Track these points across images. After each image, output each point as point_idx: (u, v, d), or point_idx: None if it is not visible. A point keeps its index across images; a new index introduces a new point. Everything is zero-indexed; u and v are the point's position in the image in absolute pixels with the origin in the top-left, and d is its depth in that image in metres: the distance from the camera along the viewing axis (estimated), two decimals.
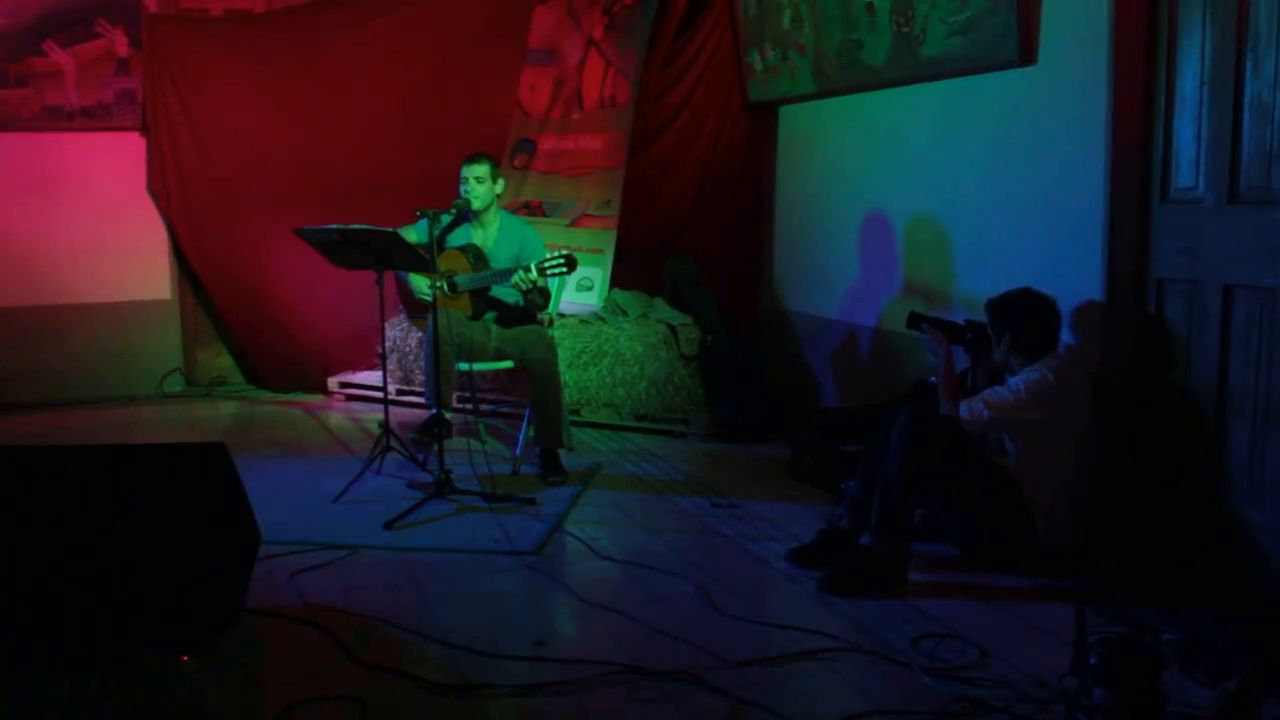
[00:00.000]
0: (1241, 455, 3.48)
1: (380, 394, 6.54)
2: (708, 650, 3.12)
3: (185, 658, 3.10)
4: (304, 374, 7.01)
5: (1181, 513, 3.69)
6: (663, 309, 6.24)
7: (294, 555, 3.92)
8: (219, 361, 7.33)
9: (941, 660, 3.03)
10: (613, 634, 3.29)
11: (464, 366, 4.98)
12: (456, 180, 5.13)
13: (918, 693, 2.85)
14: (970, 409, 3.69)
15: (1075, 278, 3.98)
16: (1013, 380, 3.75)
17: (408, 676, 2.98)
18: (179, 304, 7.15)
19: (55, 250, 6.78)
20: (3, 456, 3.27)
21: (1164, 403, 3.78)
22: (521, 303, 5.05)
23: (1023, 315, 3.80)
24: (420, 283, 5.04)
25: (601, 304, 6.28)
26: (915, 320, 4.15)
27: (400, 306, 5.49)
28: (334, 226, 4.63)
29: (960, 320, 4.15)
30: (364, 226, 4.59)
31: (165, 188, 6.87)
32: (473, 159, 5.06)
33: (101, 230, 6.86)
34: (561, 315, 5.79)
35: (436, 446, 4.62)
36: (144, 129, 6.84)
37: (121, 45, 6.75)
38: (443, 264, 4.98)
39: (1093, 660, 2.52)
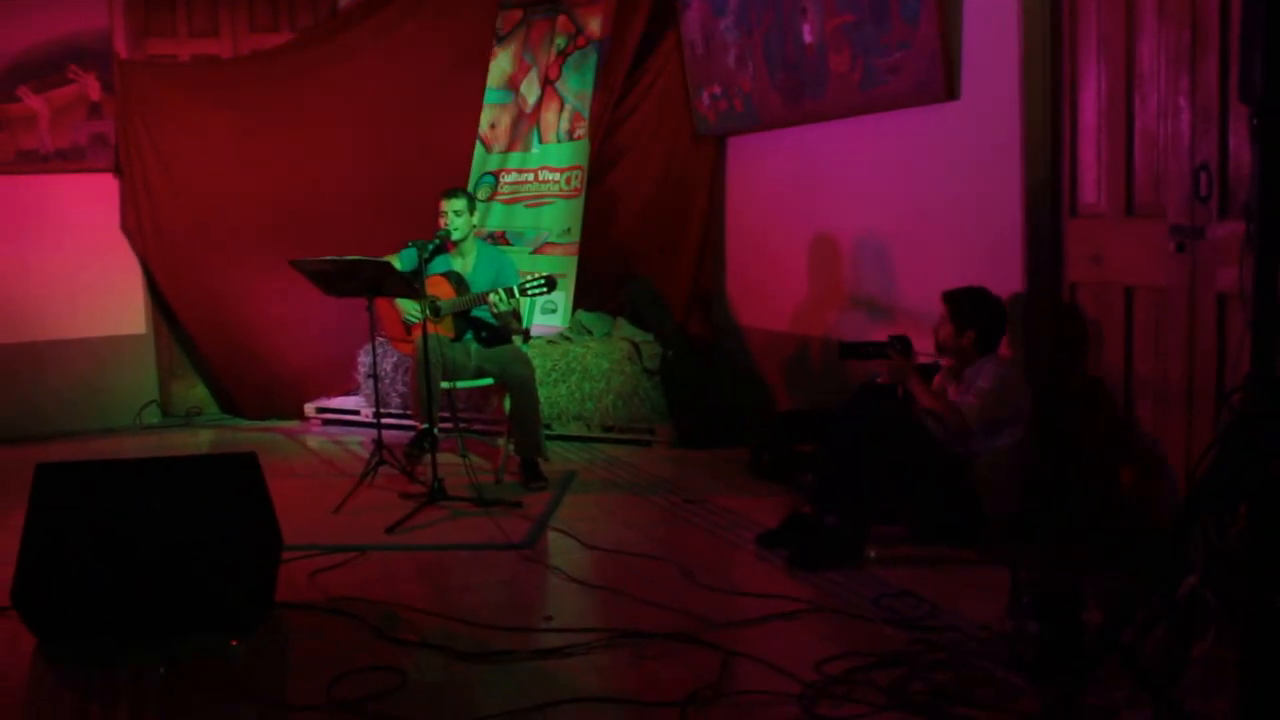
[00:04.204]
0: (1145, 432, 4.02)
1: (356, 417, 6.97)
2: (696, 616, 3.57)
3: (234, 641, 3.48)
4: (279, 401, 7.29)
5: (1097, 485, 4.23)
6: (625, 328, 6.70)
7: (307, 559, 4.26)
8: (194, 393, 7.57)
9: (899, 614, 3.51)
10: (610, 608, 3.73)
11: (446, 385, 5.39)
12: (420, 213, 5.51)
13: (880, 639, 3.33)
14: (961, 418, 4.13)
15: (999, 284, 4.43)
16: (979, 383, 4.17)
17: (436, 648, 3.38)
18: (154, 338, 7.38)
19: (32, 288, 6.99)
20: (68, 470, 3.65)
21: (1079, 391, 4.31)
22: (497, 324, 5.47)
23: (993, 317, 4.26)
24: (408, 305, 5.45)
25: (565, 325, 6.74)
26: (849, 351, 4.49)
27: (382, 333, 5.87)
28: (328, 258, 5.04)
29: (877, 338, 4.57)
30: (357, 257, 5.00)
31: (139, 226, 7.13)
32: (451, 193, 5.48)
33: (77, 268, 7.08)
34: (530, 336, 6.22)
35: (428, 458, 5.03)
36: (117, 170, 7.10)
37: (94, 90, 7.01)
38: (426, 290, 5.39)
39: (1026, 600, 3.02)
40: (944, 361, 4.40)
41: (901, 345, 4.33)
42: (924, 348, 4.75)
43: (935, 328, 4.36)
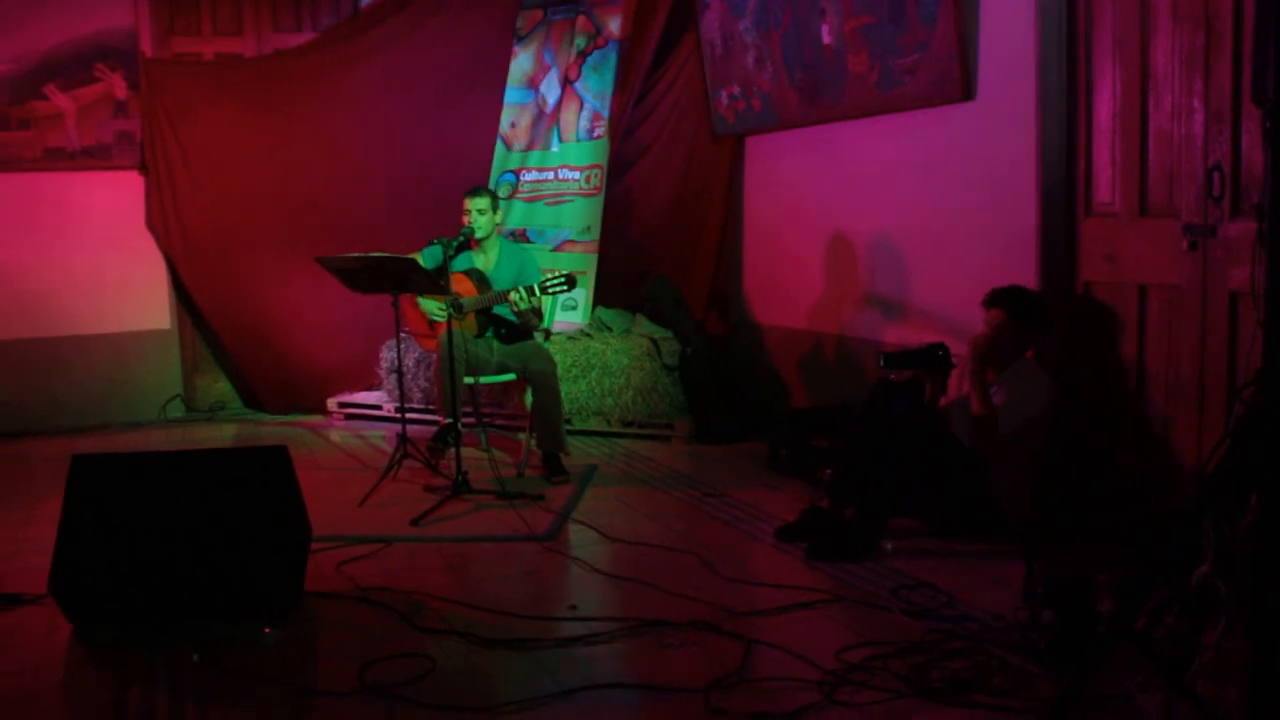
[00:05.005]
0: (1157, 428, 4.09)
1: (378, 412, 7.07)
2: (718, 605, 3.65)
3: (267, 629, 3.57)
4: (302, 396, 7.39)
5: (1110, 479, 4.29)
6: (644, 324, 6.78)
7: (334, 550, 4.34)
8: (217, 387, 7.66)
9: (916, 604, 3.59)
10: (633, 598, 3.81)
11: (469, 380, 5.48)
12: (441, 210, 5.58)
13: (898, 628, 3.41)
14: (993, 430, 4.19)
15: (1015, 282, 4.54)
16: (1019, 385, 4.22)
17: (464, 636, 3.46)
18: (178, 333, 7.48)
19: (59, 285, 7.09)
20: (104, 461, 3.74)
21: (1093, 387, 4.38)
22: (518, 321, 5.56)
23: (1044, 326, 4.33)
24: (430, 305, 5.54)
25: (586, 321, 6.83)
26: (891, 360, 4.42)
27: (406, 329, 5.96)
28: (354, 255, 5.13)
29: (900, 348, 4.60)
30: (382, 254, 5.09)
31: (164, 223, 7.22)
32: (475, 192, 5.57)
33: (103, 265, 7.19)
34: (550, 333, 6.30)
35: (451, 452, 5.12)
36: (142, 168, 7.19)
37: (120, 88, 7.11)
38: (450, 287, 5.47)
39: (1040, 590, 3.09)
40: (966, 366, 4.42)
41: (944, 351, 4.34)
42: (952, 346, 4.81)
43: (998, 330, 4.29)
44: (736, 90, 6.45)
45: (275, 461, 3.81)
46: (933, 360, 4.34)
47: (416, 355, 6.80)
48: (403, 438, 5.29)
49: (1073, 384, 4.44)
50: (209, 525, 3.67)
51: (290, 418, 7.33)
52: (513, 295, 5.20)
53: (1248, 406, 2.39)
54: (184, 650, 3.39)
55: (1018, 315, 4.27)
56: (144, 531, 3.62)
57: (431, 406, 6.47)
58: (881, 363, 4.41)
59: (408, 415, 5.97)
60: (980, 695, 2.92)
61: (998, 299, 4.31)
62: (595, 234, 6.95)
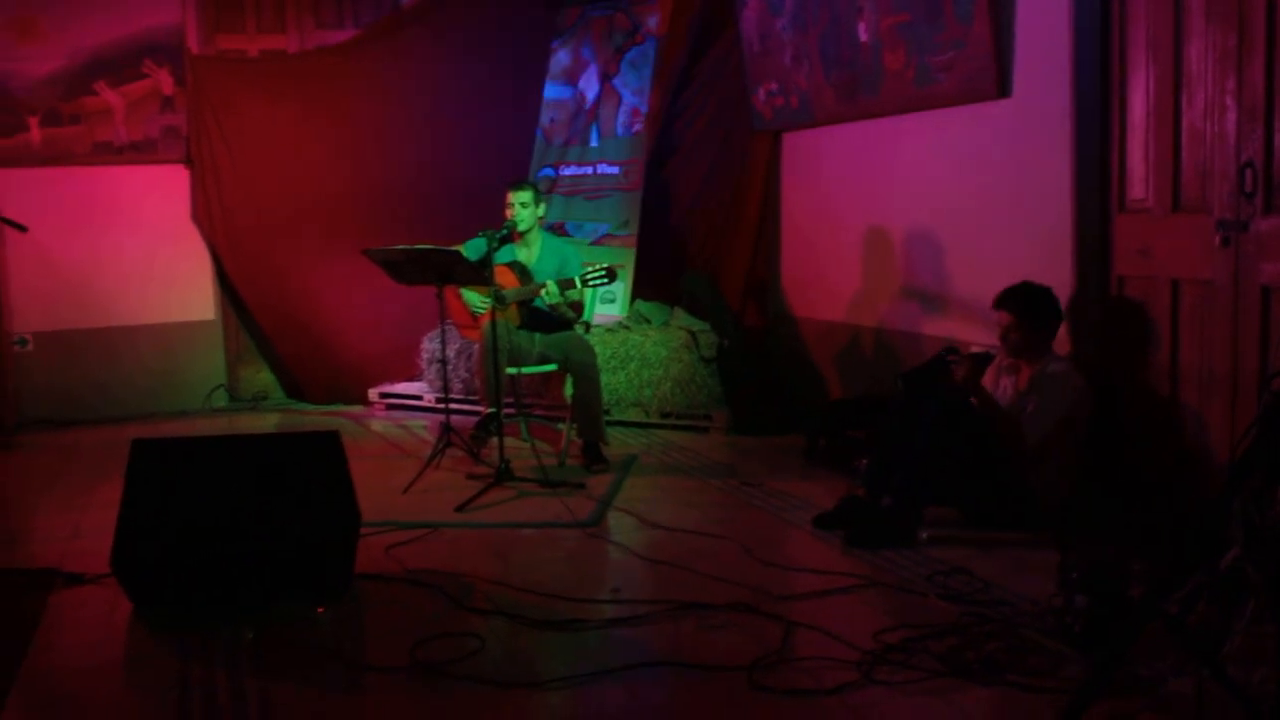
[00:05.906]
0: (1190, 421, 4.15)
1: (419, 402, 7.20)
2: (757, 589, 3.75)
3: (321, 609, 3.70)
4: (343, 386, 7.53)
5: (1144, 471, 4.36)
6: (682, 317, 6.87)
7: (381, 535, 4.45)
8: (260, 377, 7.82)
9: (951, 590, 3.67)
10: (674, 582, 3.91)
11: (511, 371, 5.60)
12: (480, 204, 5.69)
13: (934, 612, 3.50)
14: (1020, 436, 4.29)
15: (1050, 277, 4.55)
16: (1046, 404, 4.29)
17: (511, 617, 3.57)
18: (222, 324, 7.64)
19: (107, 276, 7.27)
20: (162, 445, 3.88)
21: (1127, 380, 4.44)
22: (554, 315, 5.66)
23: (1056, 313, 4.41)
24: (472, 297, 5.65)
25: (625, 314, 6.93)
26: (909, 379, 4.53)
27: (449, 320, 6.09)
28: (399, 247, 5.25)
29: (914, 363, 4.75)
30: (427, 246, 5.20)
31: (209, 216, 7.39)
32: (518, 185, 5.67)
33: (149, 257, 7.36)
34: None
35: (495, 441, 5.23)
36: (188, 162, 7.36)
37: (167, 84, 7.29)
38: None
39: (1074, 575, 3.17)
40: (1003, 360, 4.50)
41: (955, 353, 4.39)
42: (975, 337, 4.90)
43: (1003, 334, 4.39)
44: (774, 87, 6.53)
45: (327, 446, 3.93)
46: (946, 366, 4.42)
47: (458, 346, 6.91)
48: (446, 426, 5.40)
49: (1106, 377, 4.51)
50: (264, 507, 3.79)
51: (332, 407, 7.48)
52: (541, 292, 5.31)
53: (1275, 397, 2.47)
54: (240, 628, 3.51)
55: (1024, 315, 4.37)
56: (201, 513, 3.75)
57: (473, 396, 6.58)
58: (899, 385, 4.55)
59: (452, 408, 6.09)
60: (1015, 676, 3.00)
61: (1002, 301, 4.42)
62: (633, 228, 7.06)
